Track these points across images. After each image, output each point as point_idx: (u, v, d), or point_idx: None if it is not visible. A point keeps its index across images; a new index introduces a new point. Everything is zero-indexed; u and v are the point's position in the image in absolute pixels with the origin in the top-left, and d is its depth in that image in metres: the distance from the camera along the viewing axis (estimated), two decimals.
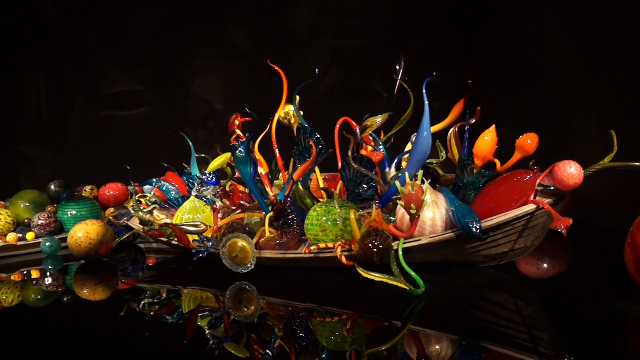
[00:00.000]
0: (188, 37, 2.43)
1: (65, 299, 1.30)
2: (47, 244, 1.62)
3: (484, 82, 1.57)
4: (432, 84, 1.23)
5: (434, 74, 1.24)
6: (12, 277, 1.49)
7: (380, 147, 1.45)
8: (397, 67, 1.49)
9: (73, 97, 2.55)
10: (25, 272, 1.54)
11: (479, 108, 1.34)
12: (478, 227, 1.12)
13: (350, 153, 1.34)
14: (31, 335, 1.07)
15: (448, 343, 0.92)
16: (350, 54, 2.34)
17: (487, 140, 1.26)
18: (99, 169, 2.25)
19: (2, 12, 2.46)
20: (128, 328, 1.07)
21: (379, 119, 1.42)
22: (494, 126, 1.27)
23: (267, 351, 0.90)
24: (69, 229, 1.67)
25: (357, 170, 1.32)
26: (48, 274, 1.52)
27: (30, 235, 1.69)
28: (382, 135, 1.52)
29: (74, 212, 1.75)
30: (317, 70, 1.50)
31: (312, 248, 1.23)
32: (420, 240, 1.18)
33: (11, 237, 1.66)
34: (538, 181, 1.18)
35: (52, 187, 1.89)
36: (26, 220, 1.74)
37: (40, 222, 1.69)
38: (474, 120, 1.35)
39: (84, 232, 1.47)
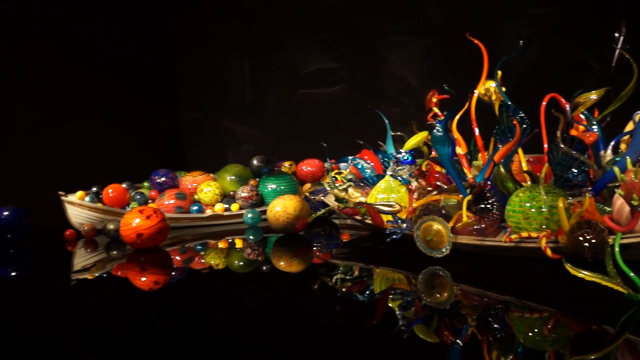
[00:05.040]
0: (381, 13, 2.40)
1: (264, 268, 1.37)
2: (249, 215, 1.72)
3: None
4: None
5: None
6: (219, 244, 1.62)
7: (594, 126, 1.31)
8: (617, 35, 1.33)
9: (273, 77, 2.67)
10: (230, 240, 1.65)
11: None
12: None
13: (558, 133, 1.23)
14: (233, 298, 1.15)
15: None
16: (554, 22, 2.14)
17: None
18: (297, 145, 2.34)
19: None
20: (320, 301, 1.09)
21: (594, 95, 1.28)
22: None
23: (458, 340, 0.85)
24: (268, 202, 1.76)
25: (566, 152, 1.20)
26: (249, 243, 1.62)
27: (234, 207, 1.81)
28: (597, 113, 1.37)
29: (273, 186, 1.83)
30: (520, 42, 1.39)
31: (513, 236, 1.15)
32: None
33: (218, 207, 1.80)
34: None
35: (254, 162, 2.00)
36: (231, 192, 1.86)
37: (243, 194, 1.80)
38: None
39: (282, 207, 1.53)
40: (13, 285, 1.37)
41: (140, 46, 2.64)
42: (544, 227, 1.13)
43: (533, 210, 1.15)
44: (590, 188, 1.19)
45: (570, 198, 1.16)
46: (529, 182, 1.30)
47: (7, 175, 2.01)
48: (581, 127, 1.29)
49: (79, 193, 1.76)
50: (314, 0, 2.51)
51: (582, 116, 1.33)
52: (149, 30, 2.71)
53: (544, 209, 1.14)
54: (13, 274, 1.52)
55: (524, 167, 1.40)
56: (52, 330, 1.00)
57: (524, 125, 1.25)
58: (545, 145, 1.32)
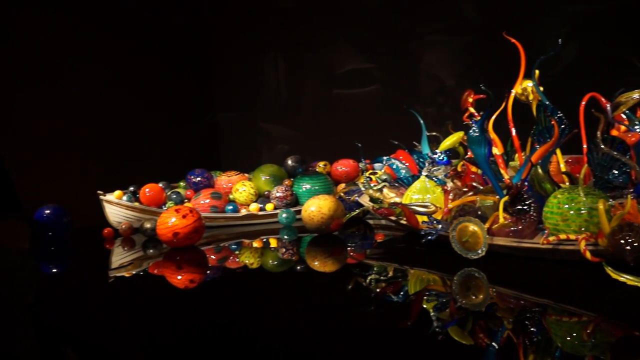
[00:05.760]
0: (416, 12, 2.39)
1: (298, 268, 1.38)
2: (284, 215, 1.73)
3: None
4: None
5: None
6: (254, 244, 1.63)
7: (637, 126, 1.27)
8: None
9: (307, 77, 2.68)
10: (264, 240, 1.66)
11: None
12: None
13: (598, 133, 1.21)
14: (267, 297, 1.15)
15: None
16: (594, 19, 2.09)
17: None
18: (332, 145, 2.34)
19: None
20: (354, 302, 1.09)
21: (636, 94, 1.26)
22: None
23: (493, 342, 0.84)
24: (303, 202, 1.76)
25: (606, 153, 1.18)
26: (284, 243, 1.63)
27: (269, 206, 1.82)
28: (639, 112, 1.34)
29: (308, 186, 1.84)
30: (559, 40, 1.37)
31: (551, 238, 1.13)
32: None
33: (253, 207, 1.81)
34: None
35: (289, 162, 2.01)
36: (266, 192, 1.87)
37: (278, 194, 1.81)
38: None
39: (316, 207, 1.53)
40: (54, 282, 1.40)
41: (176, 47, 2.68)
42: (583, 229, 1.11)
43: (572, 212, 1.12)
44: (632, 190, 1.16)
45: (610, 200, 1.13)
46: (567, 184, 1.27)
47: (48, 176, 2.06)
48: (622, 127, 1.26)
49: (117, 192, 1.79)
50: (348, 0, 2.51)
51: (623, 116, 1.29)
52: (184, 32, 2.74)
53: (583, 211, 1.11)
54: (54, 270, 1.56)
55: (563, 168, 1.37)
56: (90, 325, 1.02)
57: (563, 126, 1.23)
58: (585, 146, 1.30)
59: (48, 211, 1.73)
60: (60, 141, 2.14)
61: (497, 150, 1.38)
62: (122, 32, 2.41)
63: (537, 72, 1.38)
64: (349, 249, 1.54)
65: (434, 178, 1.44)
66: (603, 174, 1.20)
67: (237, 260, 1.47)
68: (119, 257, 1.57)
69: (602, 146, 1.19)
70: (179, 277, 1.34)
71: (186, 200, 1.86)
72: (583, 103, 1.30)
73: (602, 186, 1.20)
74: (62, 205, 1.77)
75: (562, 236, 1.12)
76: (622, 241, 0.99)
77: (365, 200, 1.62)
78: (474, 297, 1.06)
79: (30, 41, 2.05)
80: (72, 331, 1.00)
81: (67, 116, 2.16)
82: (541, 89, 1.35)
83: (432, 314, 0.98)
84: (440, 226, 1.28)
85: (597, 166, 1.21)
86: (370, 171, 1.81)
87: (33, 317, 1.02)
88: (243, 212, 1.81)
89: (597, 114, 1.27)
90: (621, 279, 0.94)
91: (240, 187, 1.85)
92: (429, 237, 1.28)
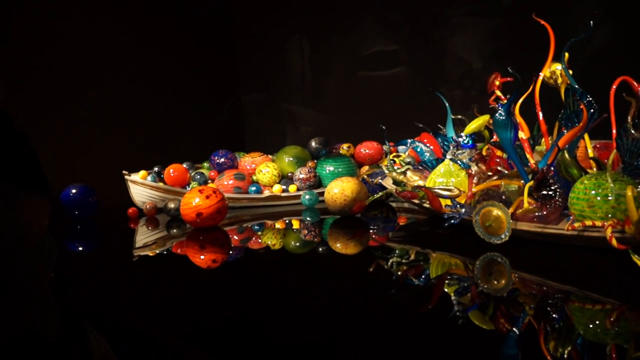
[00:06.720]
0: None
1: (320, 249, 1.38)
2: (307, 197, 1.73)
3: None
4: None
5: None
6: (276, 225, 1.63)
7: None
8: None
9: (333, 59, 2.66)
10: (287, 221, 1.67)
11: None
12: None
13: (629, 118, 1.18)
14: (289, 278, 1.16)
15: None
16: (628, 1, 2.04)
17: None
18: (356, 127, 2.33)
19: None
20: (375, 285, 1.09)
21: None
22: None
23: (514, 328, 0.83)
24: (326, 184, 1.76)
25: (637, 138, 1.15)
26: (306, 224, 1.63)
27: (292, 188, 1.82)
28: None
29: (331, 168, 1.84)
30: (590, 22, 1.33)
31: (576, 225, 1.11)
32: None
33: (276, 189, 1.81)
34: None
35: (313, 144, 2.01)
36: (289, 174, 1.88)
37: (301, 176, 1.81)
38: None
39: (339, 189, 1.53)
40: (79, 260, 1.43)
41: (202, 30, 2.68)
42: (609, 216, 1.09)
43: (598, 198, 1.11)
44: None
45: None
46: (594, 169, 1.25)
47: (75, 156, 2.08)
48: None
49: (142, 172, 1.81)
50: None
51: None
52: (210, 14, 2.74)
53: (610, 197, 1.09)
54: (80, 249, 1.59)
55: (590, 153, 1.34)
56: (114, 303, 1.04)
57: (592, 110, 1.20)
58: (614, 131, 1.27)
59: (74, 190, 1.76)
60: (87, 122, 2.16)
61: (523, 134, 1.37)
62: (148, 16, 2.41)
63: (566, 54, 1.35)
64: (371, 231, 1.54)
65: (458, 161, 1.43)
66: (632, 160, 1.17)
67: (260, 241, 1.48)
68: (143, 236, 1.59)
69: (633, 131, 1.16)
70: (202, 257, 1.36)
71: (210, 181, 1.87)
72: (614, 87, 1.27)
73: (631, 172, 1.17)
74: (88, 184, 1.80)
75: (588, 222, 1.10)
76: None
77: (388, 183, 1.61)
78: (495, 282, 1.06)
79: (59, 28, 2.07)
80: (96, 308, 1.02)
81: (93, 98, 2.18)
82: (570, 72, 1.33)
83: (453, 298, 0.97)
84: (463, 210, 1.27)
85: (626, 152, 1.19)
86: (394, 154, 1.80)
87: (57, 294, 1.04)
88: (266, 193, 1.81)
89: (628, 98, 1.24)
90: None
91: (264, 169, 1.85)
92: (452, 221, 1.27)
